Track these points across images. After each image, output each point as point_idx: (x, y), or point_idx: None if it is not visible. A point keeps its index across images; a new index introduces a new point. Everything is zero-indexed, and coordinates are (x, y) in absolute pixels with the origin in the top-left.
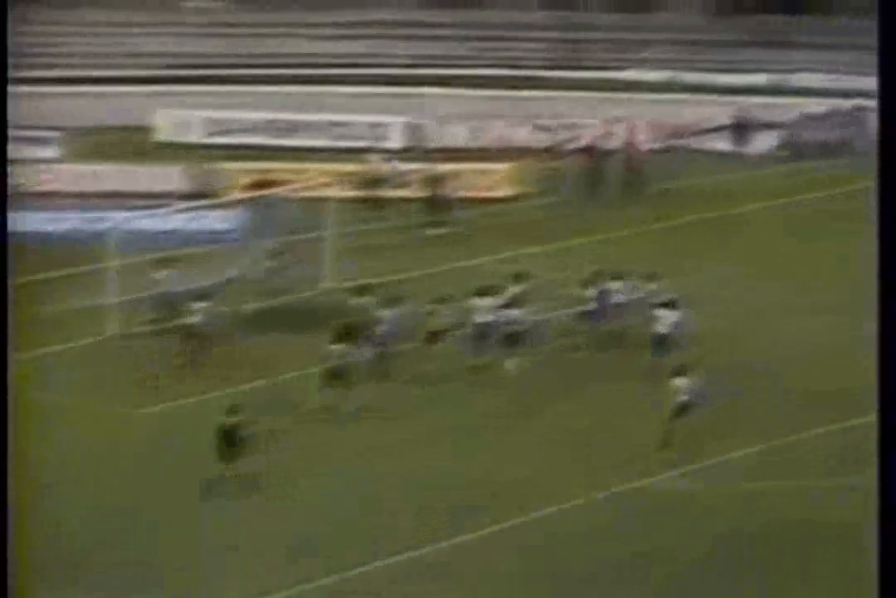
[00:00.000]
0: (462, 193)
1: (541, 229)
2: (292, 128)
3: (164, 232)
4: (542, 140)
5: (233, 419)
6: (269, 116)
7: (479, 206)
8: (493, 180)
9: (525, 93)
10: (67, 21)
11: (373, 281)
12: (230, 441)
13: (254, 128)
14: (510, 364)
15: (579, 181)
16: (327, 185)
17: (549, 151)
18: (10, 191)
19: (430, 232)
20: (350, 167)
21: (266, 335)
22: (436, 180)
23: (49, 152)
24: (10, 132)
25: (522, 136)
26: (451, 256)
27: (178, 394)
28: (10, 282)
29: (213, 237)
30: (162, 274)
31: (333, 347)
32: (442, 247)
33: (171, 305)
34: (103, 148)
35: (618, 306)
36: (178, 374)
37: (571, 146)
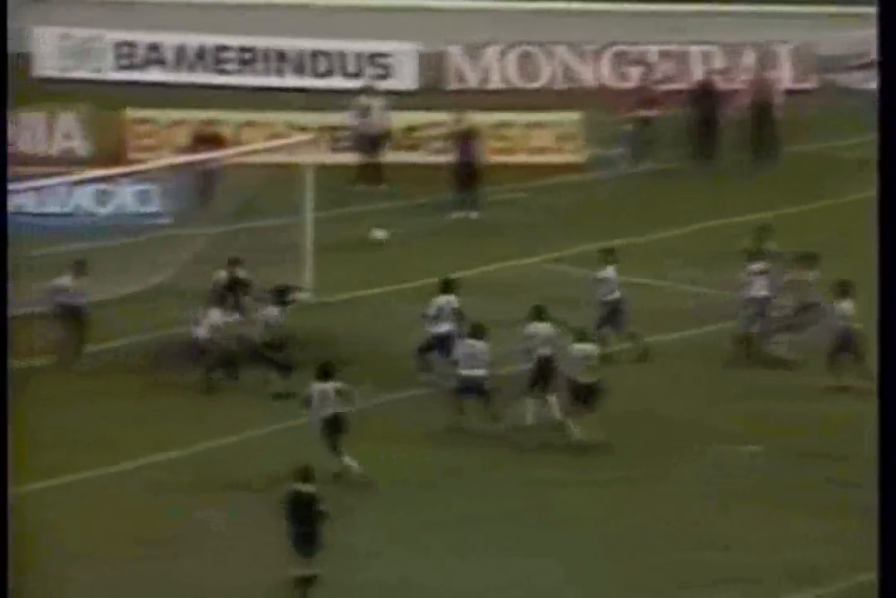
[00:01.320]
0: (504, 159)
1: (625, 212)
2: (248, 59)
3: (56, 216)
4: (628, 77)
5: (308, 488)
6: (214, 40)
7: (531, 176)
8: (552, 139)
9: (601, 6)
10: None
11: (376, 291)
12: (306, 521)
13: (190, 58)
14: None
15: (684, 139)
16: (302, 145)
17: (639, 94)
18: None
19: (455, 216)
20: (336, 119)
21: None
22: (465, 138)
23: None
24: None
25: (598, 71)
26: (489, 253)
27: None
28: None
29: (131, 222)
30: (63, 281)
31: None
32: (474, 238)
33: (73, 326)
34: None
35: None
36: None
37: (673, 86)
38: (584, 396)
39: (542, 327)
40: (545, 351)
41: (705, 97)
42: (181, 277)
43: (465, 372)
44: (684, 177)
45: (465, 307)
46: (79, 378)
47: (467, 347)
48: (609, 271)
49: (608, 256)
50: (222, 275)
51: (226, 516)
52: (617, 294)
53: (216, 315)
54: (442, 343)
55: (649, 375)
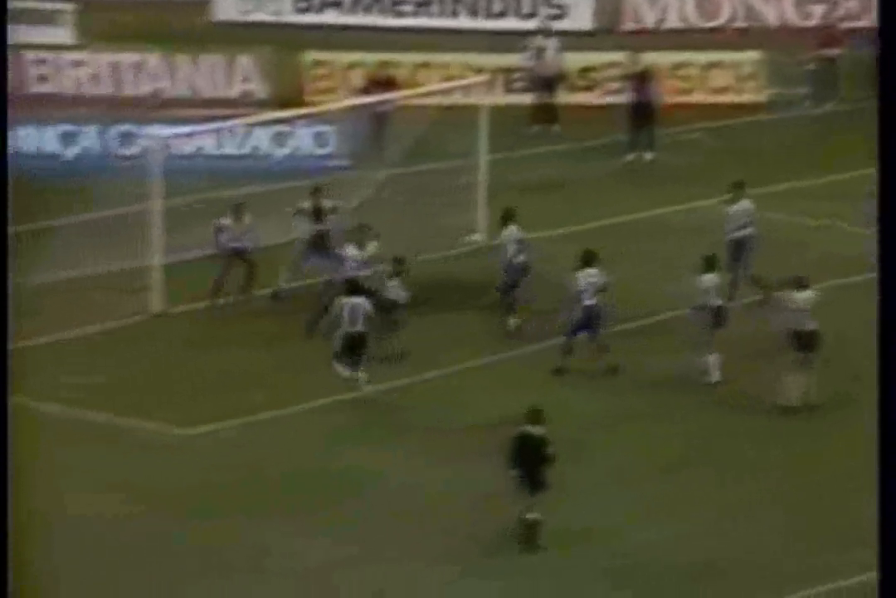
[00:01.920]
0: (683, 99)
1: (806, 153)
2: (423, 1)
3: (233, 158)
4: (811, 15)
5: (538, 430)
6: None
7: (707, 117)
8: (732, 78)
9: None
10: None
11: (547, 233)
12: (535, 464)
13: (366, 0)
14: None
15: (868, 79)
16: (476, 86)
17: (822, 33)
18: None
19: (630, 157)
20: (511, 60)
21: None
22: (640, 79)
23: (58, 35)
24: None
25: (780, 9)
26: (663, 195)
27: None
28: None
29: (309, 165)
30: (224, 221)
31: None
32: (648, 179)
33: (240, 268)
34: (138, 31)
35: None
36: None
37: (857, 24)
38: (809, 343)
39: (712, 278)
40: (716, 301)
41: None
42: (353, 220)
43: (587, 302)
44: (868, 117)
45: (639, 251)
46: (243, 320)
47: (588, 276)
48: (741, 205)
49: (739, 190)
50: (306, 205)
51: (404, 459)
52: (747, 230)
53: (351, 250)
54: (520, 277)
55: (826, 322)
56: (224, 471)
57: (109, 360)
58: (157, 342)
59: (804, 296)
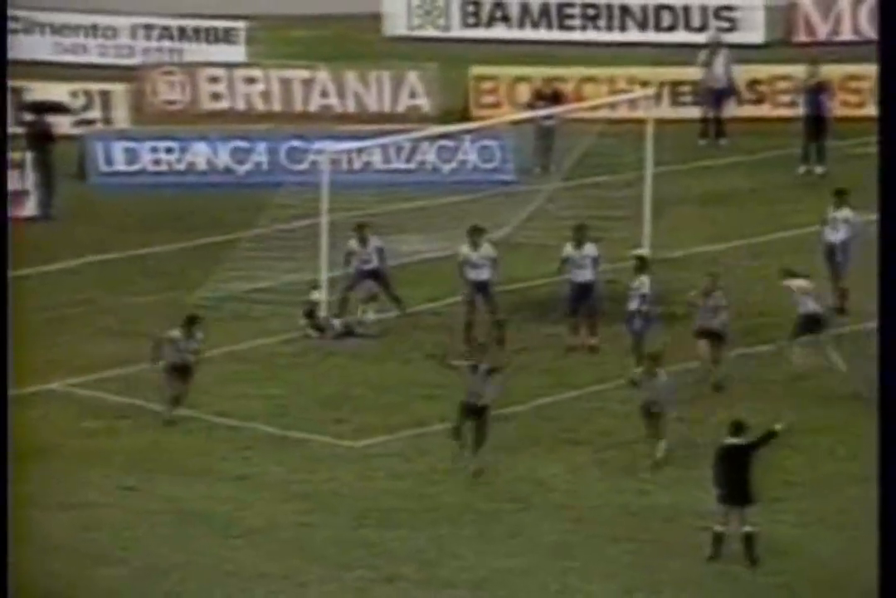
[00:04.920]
0: (854, 112)
1: None
2: (591, 15)
3: (400, 172)
4: None
5: (739, 441)
6: None
7: None
8: None
9: None
10: None
11: (713, 248)
12: (738, 478)
13: (534, 15)
14: None
15: None
16: (643, 100)
17: None
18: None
19: (801, 170)
20: (676, 74)
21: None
22: (814, 92)
23: (231, 53)
24: (177, 21)
25: None
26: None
27: None
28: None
29: (475, 179)
30: (359, 244)
31: None
32: (820, 193)
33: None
34: (309, 47)
35: None
36: None
37: None
38: None
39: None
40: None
41: None
42: (518, 234)
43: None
44: None
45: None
46: (397, 335)
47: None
48: (841, 213)
49: (842, 197)
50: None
51: (565, 471)
52: (840, 236)
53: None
54: (586, 293)
55: None
56: (391, 481)
57: (279, 373)
58: (326, 356)
59: None
